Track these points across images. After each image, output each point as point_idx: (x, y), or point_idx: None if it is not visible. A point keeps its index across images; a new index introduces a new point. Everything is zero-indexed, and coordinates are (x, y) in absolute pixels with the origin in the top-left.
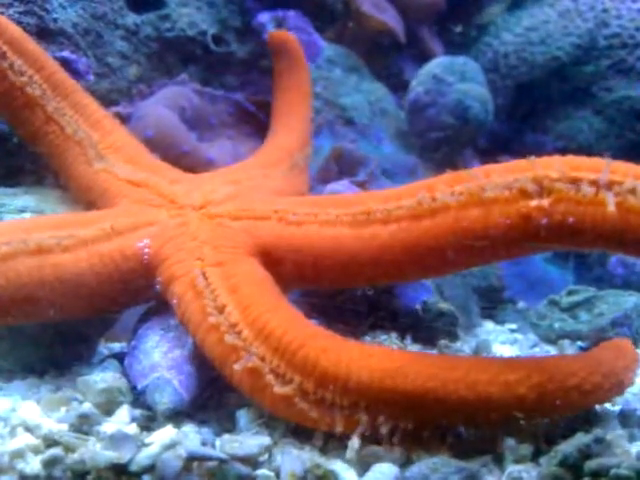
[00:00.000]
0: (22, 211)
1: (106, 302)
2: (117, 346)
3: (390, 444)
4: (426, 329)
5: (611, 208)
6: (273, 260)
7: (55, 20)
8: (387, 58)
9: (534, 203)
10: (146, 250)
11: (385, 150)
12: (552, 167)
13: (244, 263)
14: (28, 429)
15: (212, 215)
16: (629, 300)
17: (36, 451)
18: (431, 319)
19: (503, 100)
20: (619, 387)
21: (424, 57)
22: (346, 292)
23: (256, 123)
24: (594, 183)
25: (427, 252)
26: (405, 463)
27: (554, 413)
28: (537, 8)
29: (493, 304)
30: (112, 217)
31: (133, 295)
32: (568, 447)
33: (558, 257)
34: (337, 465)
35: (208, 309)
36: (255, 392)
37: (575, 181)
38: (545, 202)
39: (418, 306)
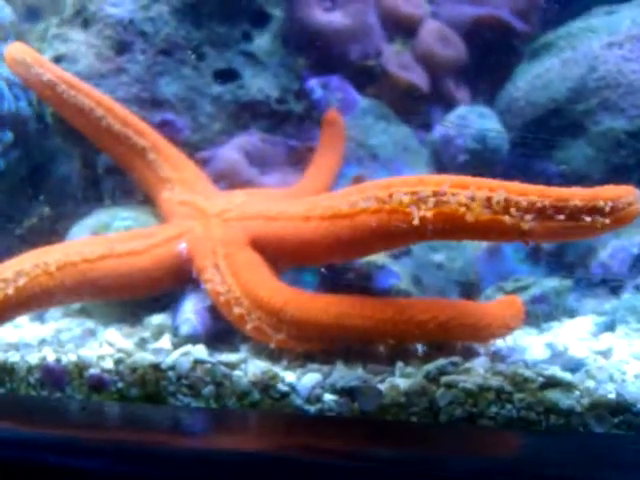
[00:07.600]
0: (125, 219)
1: (162, 285)
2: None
3: (322, 364)
4: None
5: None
6: (260, 247)
7: (162, 93)
8: (417, 106)
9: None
10: (184, 251)
11: None
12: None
13: (243, 252)
14: (110, 344)
15: (225, 219)
16: (549, 284)
17: (111, 356)
18: (393, 295)
19: (514, 135)
20: (502, 330)
21: (449, 103)
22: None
23: (304, 162)
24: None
25: (349, 241)
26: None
27: (452, 340)
28: (547, 58)
29: (470, 293)
30: (165, 230)
31: (179, 280)
32: (430, 366)
33: (529, 257)
34: (283, 372)
35: (221, 290)
36: (261, 338)
37: (417, 193)
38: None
39: (385, 286)
